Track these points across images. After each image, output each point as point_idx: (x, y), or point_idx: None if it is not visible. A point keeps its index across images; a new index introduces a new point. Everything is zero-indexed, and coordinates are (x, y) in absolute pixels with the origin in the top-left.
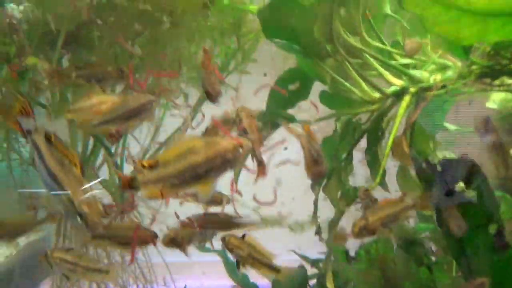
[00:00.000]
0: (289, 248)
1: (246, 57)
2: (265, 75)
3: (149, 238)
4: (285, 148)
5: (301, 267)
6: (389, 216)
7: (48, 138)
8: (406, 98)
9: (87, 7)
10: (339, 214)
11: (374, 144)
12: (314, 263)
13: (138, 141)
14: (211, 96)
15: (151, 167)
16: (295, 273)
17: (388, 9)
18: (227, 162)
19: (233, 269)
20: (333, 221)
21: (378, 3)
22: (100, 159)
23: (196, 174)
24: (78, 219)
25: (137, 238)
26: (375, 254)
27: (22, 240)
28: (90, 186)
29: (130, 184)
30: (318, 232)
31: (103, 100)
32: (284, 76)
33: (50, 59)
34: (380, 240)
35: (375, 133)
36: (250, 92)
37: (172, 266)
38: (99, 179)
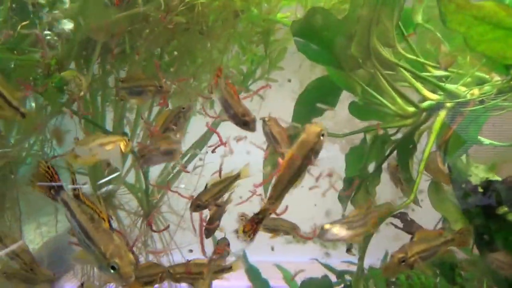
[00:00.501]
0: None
1: (273, 65)
2: (289, 81)
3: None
4: None
5: (325, 276)
6: (428, 251)
7: (76, 195)
8: (442, 113)
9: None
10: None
11: (405, 158)
12: (340, 275)
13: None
14: (248, 124)
15: None
16: (320, 282)
17: (419, 19)
18: None
19: (256, 274)
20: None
21: (410, 13)
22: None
23: None
24: (111, 271)
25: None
26: (416, 280)
27: (46, 235)
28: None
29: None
30: (349, 248)
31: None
32: (313, 85)
33: (86, 70)
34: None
35: (407, 147)
36: (275, 98)
37: None
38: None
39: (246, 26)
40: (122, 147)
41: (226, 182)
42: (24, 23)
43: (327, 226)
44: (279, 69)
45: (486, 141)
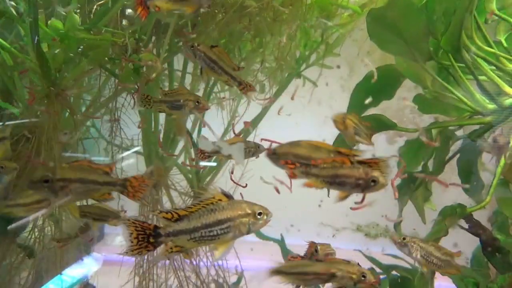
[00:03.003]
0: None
1: (329, 51)
2: (338, 67)
3: None
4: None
5: (371, 269)
6: None
7: None
8: None
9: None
10: (441, 231)
11: (471, 156)
12: (387, 269)
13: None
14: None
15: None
16: None
17: (494, 7)
18: None
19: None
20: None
21: (484, 2)
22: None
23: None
24: None
25: None
26: None
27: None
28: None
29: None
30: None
31: None
32: (371, 74)
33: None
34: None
35: (475, 145)
36: (322, 84)
37: None
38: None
39: (309, 10)
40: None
41: None
42: (101, 1)
43: None
44: (334, 55)
45: None
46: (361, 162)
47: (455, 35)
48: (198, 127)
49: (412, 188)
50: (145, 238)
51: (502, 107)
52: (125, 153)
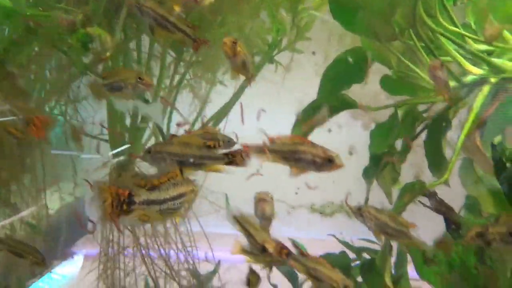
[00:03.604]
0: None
1: (300, 35)
2: (313, 53)
3: None
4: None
5: (343, 252)
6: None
7: None
8: (485, 89)
9: None
10: (400, 208)
11: (437, 136)
12: (358, 252)
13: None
14: None
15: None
16: (337, 258)
17: None
18: None
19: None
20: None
21: None
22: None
23: None
24: None
25: None
26: (456, 259)
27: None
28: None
29: None
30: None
31: None
32: (341, 57)
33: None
34: (459, 244)
35: (440, 124)
36: (297, 71)
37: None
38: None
39: None
40: None
41: None
42: None
43: None
44: (306, 40)
45: None
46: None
47: (411, 10)
48: (168, 114)
49: (379, 169)
50: (119, 205)
51: (462, 84)
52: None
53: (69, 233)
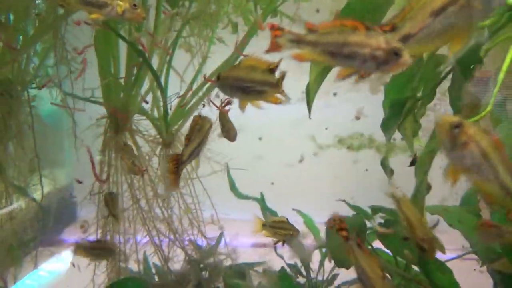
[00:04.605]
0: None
1: None
2: (317, 11)
3: None
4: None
5: (357, 214)
6: None
7: None
8: None
9: None
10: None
11: (464, 79)
12: (375, 211)
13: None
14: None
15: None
16: (352, 220)
17: None
18: None
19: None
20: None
21: None
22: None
23: None
24: None
25: None
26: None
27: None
28: None
29: None
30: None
31: None
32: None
33: None
34: None
35: (468, 66)
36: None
37: None
38: None
39: None
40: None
41: None
42: None
43: None
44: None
45: None
46: None
47: None
48: (166, 70)
49: (401, 118)
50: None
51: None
52: None
53: (57, 219)
